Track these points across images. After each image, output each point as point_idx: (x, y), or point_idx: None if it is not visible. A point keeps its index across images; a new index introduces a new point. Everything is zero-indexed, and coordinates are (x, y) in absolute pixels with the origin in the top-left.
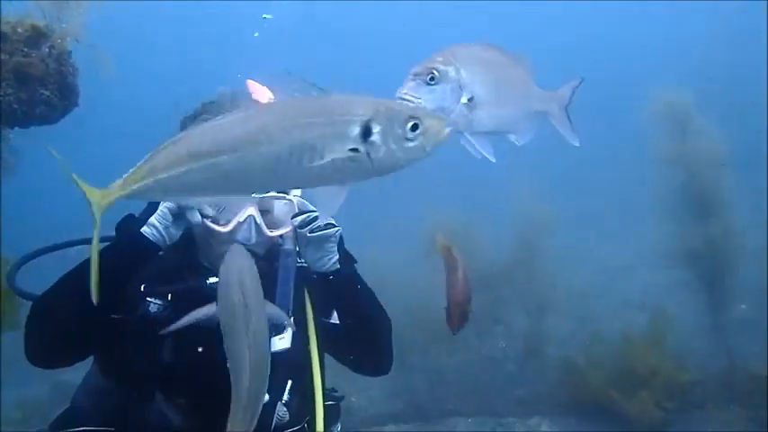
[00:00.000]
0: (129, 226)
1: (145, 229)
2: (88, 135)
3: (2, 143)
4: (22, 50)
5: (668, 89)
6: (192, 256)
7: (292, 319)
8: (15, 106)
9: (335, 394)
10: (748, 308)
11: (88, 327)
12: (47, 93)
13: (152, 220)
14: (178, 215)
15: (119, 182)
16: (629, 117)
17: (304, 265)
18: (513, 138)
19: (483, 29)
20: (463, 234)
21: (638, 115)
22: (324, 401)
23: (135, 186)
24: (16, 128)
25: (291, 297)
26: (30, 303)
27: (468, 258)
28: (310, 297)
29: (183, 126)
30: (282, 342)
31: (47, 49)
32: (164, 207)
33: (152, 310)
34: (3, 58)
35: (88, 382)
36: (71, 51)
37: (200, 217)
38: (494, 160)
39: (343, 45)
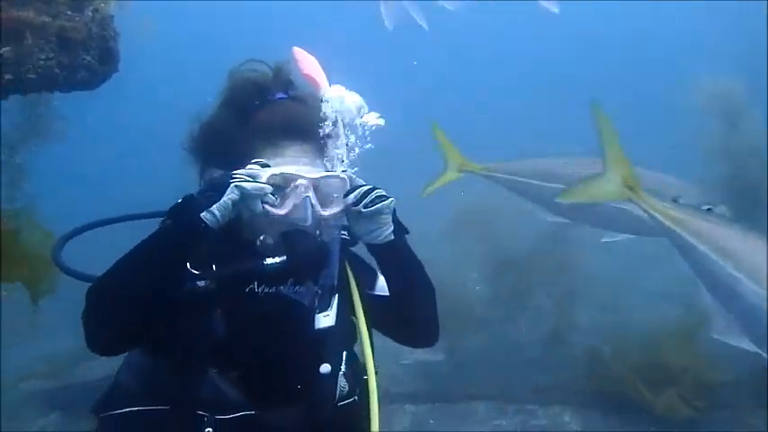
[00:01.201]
0: (187, 209)
1: (205, 215)
2: (126, 101)
3: (42, 109)
4: (66, 13)
5: (714, 78)
6: (235, 231)
7: (336, 295)
8: (57, 71)
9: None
10: None
11: (149, 311)
12: (88, 58)
13: (213, 208)
14: (238, 203)
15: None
16: (667, 105)
17: (346, 237)
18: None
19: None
20: (491, 216)
21: (677, 104)
22: (372, 376)
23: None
24: (57, 93)
25: (337, 273)
26: (73, 280)
27: (496, 241)
28: (353, 270)
29: (226, 97)
30: (327, 319)
31: (90, 13)
32: (227, 199)
33: (199, 284)
34: (46, 20)
35: (132, 362)
36: (113, 16)
37: (261, 207)
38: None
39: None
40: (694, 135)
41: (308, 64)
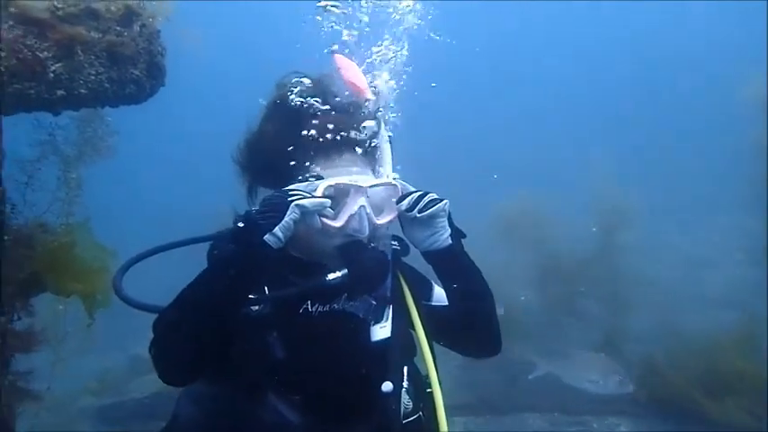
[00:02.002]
0: (250, 233)
1: (269, 238)
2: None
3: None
4: (115, 29)
5: (758, 75)
6: (287, 253)
7: (391, 306)
8: (107, 85)
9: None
10: None
11: (216, 337)
12: (136, 72)
13: (276, 230)
14: (299, 222)
15: None
16: (712, 105)
17: (397, 248)
18: None
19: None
20: (537, 222)
21: (724, 103)
22: (437, 388)
23: None
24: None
25: (390, 286)
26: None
27: (543, 248)
28: (407, 281)
29: (272, 110)
30: (383, 331)
31: (138, 28)
32: (289, 219)
33: (253, 308)
34: (95, 36)
35: (191, 391)
36: (159, 31)
37: (320, 223)
38: None
39: None
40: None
41: (350, 71)
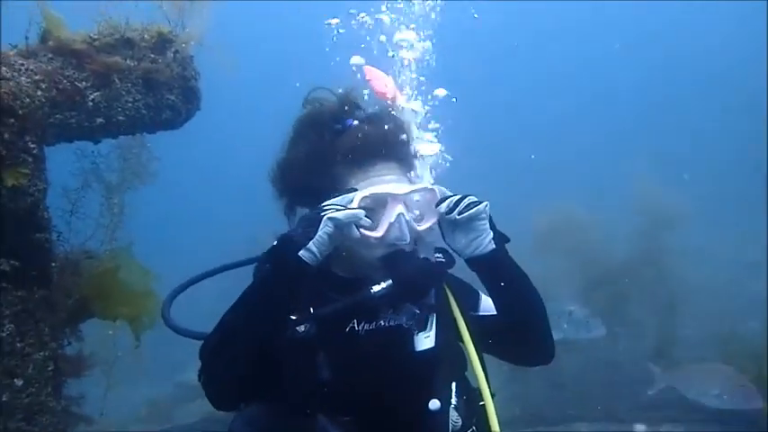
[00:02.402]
0: (285, 250)
1: (303, 254)
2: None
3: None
4: (149, 56)
5: None
6: (330, 271)
7: (435, 316)
8: (144, 112)
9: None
10: None
11: (259, 362)
12: (172, 97)
13: (311, 245)
14: (334, 236)
15: None
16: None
17: (442, 260)
18: None
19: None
20: (580, 225)
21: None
22: (491, 402)
23: None
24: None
25: (433, 294)
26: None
27: (586, 255)
28: (453, 292)
29: (301, 129)
30: (428, 340)
31: (171, 54)
32: (323, 233)
33: (299, 329)
34: (131, 64)
35: (245, 412)
36: (193, 56)
37: (358, 234)
38: None
39: None
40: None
41: (380, 81)
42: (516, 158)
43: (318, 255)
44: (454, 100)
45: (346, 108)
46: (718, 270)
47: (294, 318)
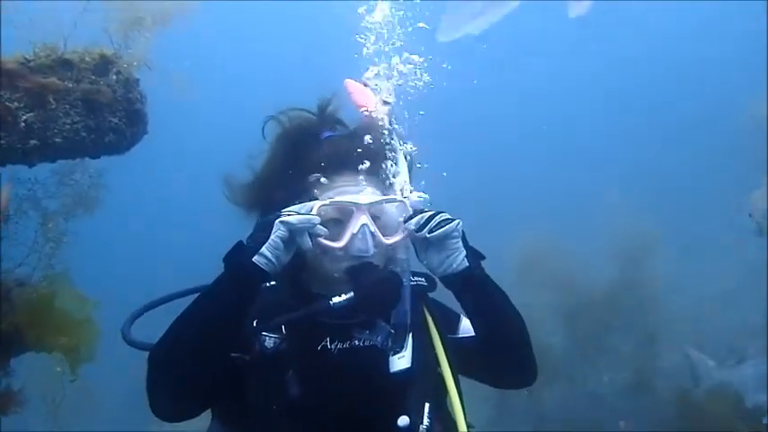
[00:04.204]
0: (238, 257)
1: (257, 259)
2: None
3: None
4: (89, 77)
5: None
6: (299, 286)
7: (411, 335)
8: (84, 134)
9: (472, 430)
10: None
11: (211, 370)
12: (115, 120)
13: (264, 250)
14: (289, 241)
15: None
16: (732, 129)
17: (422, 282)
18: None
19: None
20: (557, 255)
21: (743, 127)
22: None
23: None
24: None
25: (409, 313)
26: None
27: (566, 282)
28: (431, 313)
29: (281, 145)
30: (403, 361)
31: (114, 76)
32: (276, 237)
33: (268, 345)
34: (69, 86)
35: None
36: (138, 79)
37: (310, 242)
38: None
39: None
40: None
41: (361, 95)
42: (491, 184)
43: (274, 260)
44: (421, 113)
45: (322, 122)
46: (696, 299)
47: (264, 334)
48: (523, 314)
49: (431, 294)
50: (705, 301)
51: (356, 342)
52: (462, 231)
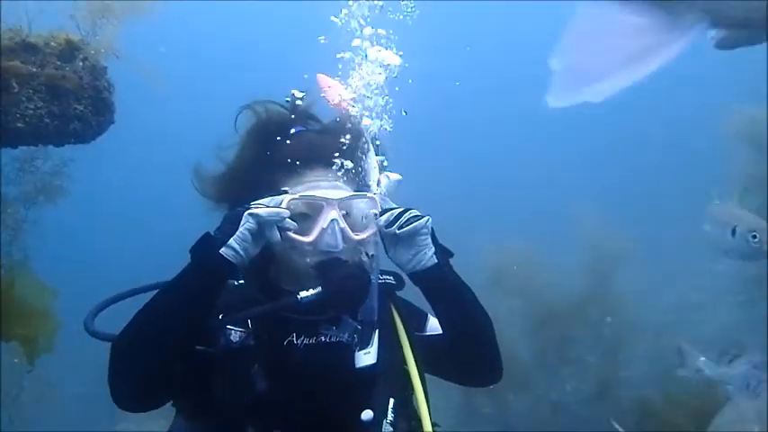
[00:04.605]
0: (205, 249)
1: (225, 251)
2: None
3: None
4: (55, 63)
5: (745, 105)
6: (267, 281)
7: (377, 332)
8: (47, 120)
9: (438, 429)
10: None
11: (174, 361)
12: (80, 108)
13: (231, 242)
14: (257, 234)
15: None
16: (701, 138)
17: (390, 281)
18: None
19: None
20: (526, 267)
21: (712, 135)
22: (426, 418)
23: None
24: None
25: (376, 310)
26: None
27: (533, 294)
28: (398, 310)
29: (251, 138)
30: (368, 357)
31: (80, 63)
32: (243, 229)
33: (234, 339)
34: (33, 70)
35: (175, 429)
36: (107, 67)
37: (278, 235)
38: None
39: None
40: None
41: (333, 90)
42: (461, 193)
43: (242, 252)
44: (404, 113)
45: (294, 116)
46: (665, 311)
47: (230, 327)
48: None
49: (399, 293)
50: (674, 312)
51: (322, 338)
52: (432, 228)
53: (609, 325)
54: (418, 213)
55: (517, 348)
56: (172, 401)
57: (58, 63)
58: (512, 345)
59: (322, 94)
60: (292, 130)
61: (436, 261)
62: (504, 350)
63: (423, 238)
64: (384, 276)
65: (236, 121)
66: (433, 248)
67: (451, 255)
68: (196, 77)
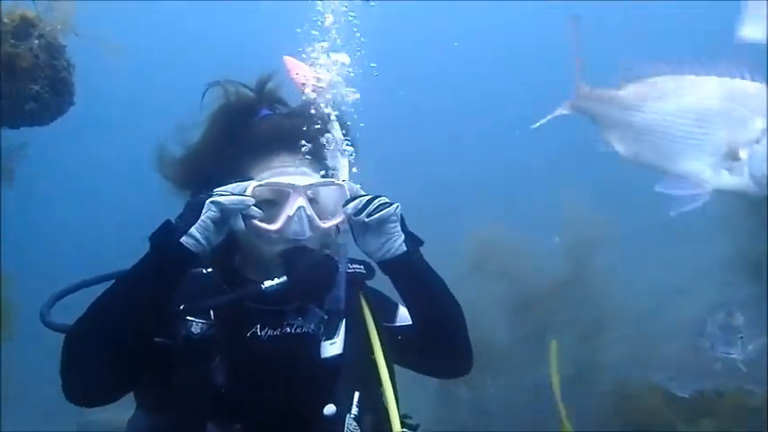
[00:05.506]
0: (164, 237)
1: (186, 240)
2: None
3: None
4: (9, 41)
5: None
6: (231, 270)
7: (344, 322)
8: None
9: (410, 421)
10: None
11: (130, 354)
12: (36, 88)
13: (193, 230)
14: (220, 222)
15: None
16: None
17: (360, 270)
18: None
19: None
20: (508, 251)
21: None
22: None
23: None
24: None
25: (343, 299)
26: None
27: (515, 278)
28: (367, 300)
29: (216, 121)
30: (334, 347)
31: (36, 41)
32: (205, 218)
33: (195, 331)
34: None
35: (132, 424)
36: (65, 46)
37: (243, 223)
38: None
39: None
40: None
41: (300, 73)
42: (442, 178)
43: (203, 241)
44: (375, 73)
45: (261, 99)
46: (644, 295)
47: (191, 319)
48: (471, 307)
49: (369, 282)
50: (654, 296)
51: (288, 329)
52: (401, 216)
53: (589, 309)
54: (387, 200)
55: (496, 332)
56: (132, 393)
57: (12, 41)
58: (489, 329)
59: (291, 76)
60: (259, 114)
61: (405, 249)
62: (481, 334)
63: (392, 225)
64: (354, 266)
65: (202, 98)
66: (403, 236)
67: (421, 243)
68: (164, 54)
